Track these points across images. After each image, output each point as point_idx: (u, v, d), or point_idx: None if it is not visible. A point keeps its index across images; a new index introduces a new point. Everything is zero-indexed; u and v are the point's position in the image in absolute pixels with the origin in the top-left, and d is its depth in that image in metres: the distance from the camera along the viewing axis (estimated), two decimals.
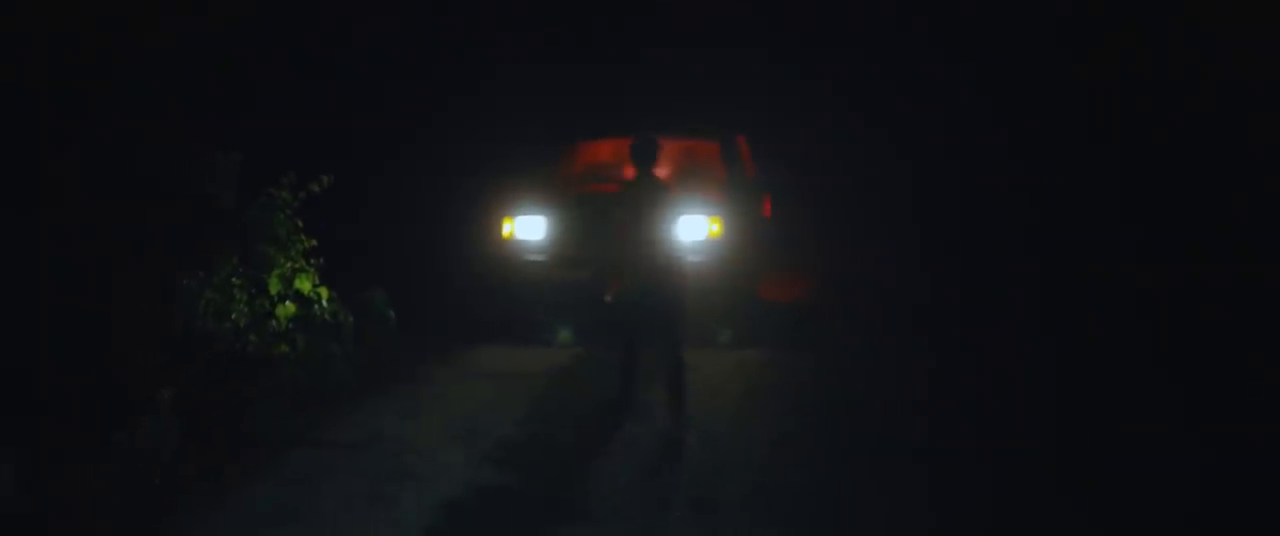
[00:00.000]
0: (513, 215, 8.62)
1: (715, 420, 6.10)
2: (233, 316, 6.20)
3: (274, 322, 6.34)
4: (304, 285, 6.48)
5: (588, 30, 13.20)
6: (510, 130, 10.81)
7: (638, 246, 5.83)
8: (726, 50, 13.89)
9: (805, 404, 6.55)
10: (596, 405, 6.26)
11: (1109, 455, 5.37)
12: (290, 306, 6.42)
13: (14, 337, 5.00)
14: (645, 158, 6.04)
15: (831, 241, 11.70)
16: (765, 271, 10.01)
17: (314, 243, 6.59)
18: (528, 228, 8.59)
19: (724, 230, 8.66)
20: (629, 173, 6.41)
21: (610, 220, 6.07)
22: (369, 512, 4.67)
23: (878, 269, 10.81)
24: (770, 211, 10.71)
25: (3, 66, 5.60)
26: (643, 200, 5.93)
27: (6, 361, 4.94)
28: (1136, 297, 8.56)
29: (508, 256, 8.59)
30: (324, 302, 6.59)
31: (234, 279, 6.25)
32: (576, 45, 12.72)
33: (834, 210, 12.18)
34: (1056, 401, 6.33)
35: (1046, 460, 5.31)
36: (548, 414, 6.24)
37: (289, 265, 6.47)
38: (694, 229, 8.49)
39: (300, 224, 6.52)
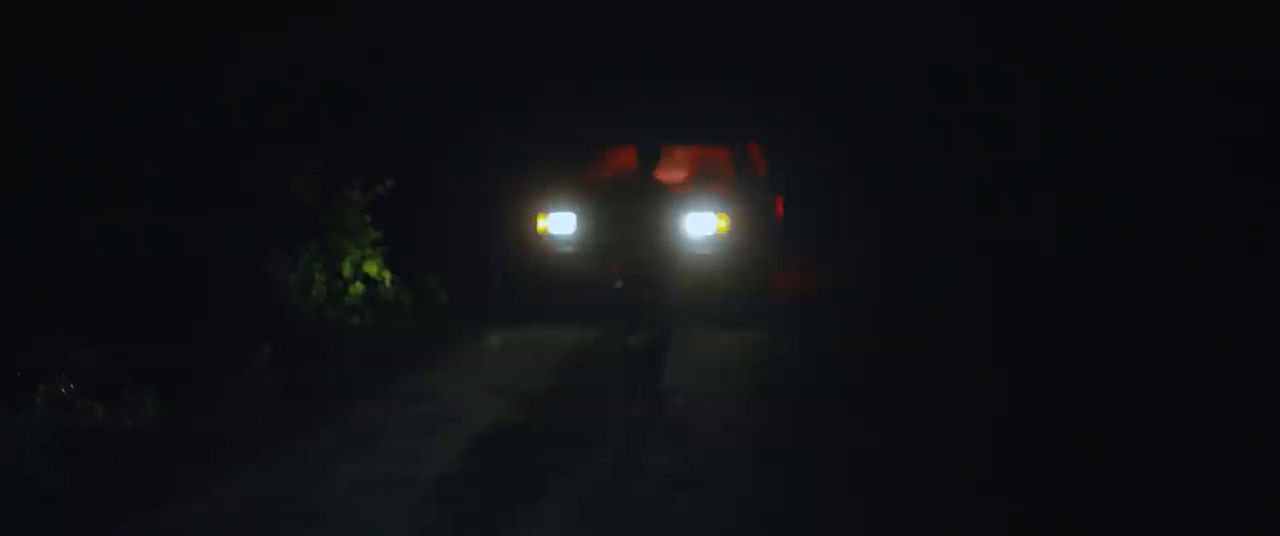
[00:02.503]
0: (546, 212, 9.96)
1: (705, 382, 7.44)
2: (313, 294, 7.67)
3: (346, 299, 7.81)
4: (371, 269, 7.94)
5: (624, 48, 14.46)
6: (547, 137, 12.12)
7: (635, 239, 6.65)
8: (749, 64, 15.07)
9: (786, 371, 7.86)
10: (607, 370, 7.61)
11: (1026, 408, 6.62)
12: (359, 286, 7.89)
13: (153, 306, 6.47)
14: (647, 160, 6.78)
15: (840, 240, 12.94)
16: (777, 265, 11.29)
17: (380, 234, 8.04)
18: (560, 223, 9.92)
19: (731, 226, 9.94)
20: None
21: (614, 215, 6.84)
22: (420, 441, 6.07)
23: (878, 265, 12.03)
24: (782, 211, 12.00)
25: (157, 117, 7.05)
26: (640, 198, 6.71)
27: (147, 322, 6.40)
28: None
29: (542, 248, 9.92)
30: (387, 284, 8.07)
31: (315, 263, 7.72)
32: (610, 63, 13.99)
33: (843, 212, 13.40)
34: (998, 369, 7.56)
35: (976, 413, 6.57)
36: (566, 376, 7.61)
37: (358, 253, 7.94)
38: (702, 224, 9.79)
39: (368, 218, 7.98)
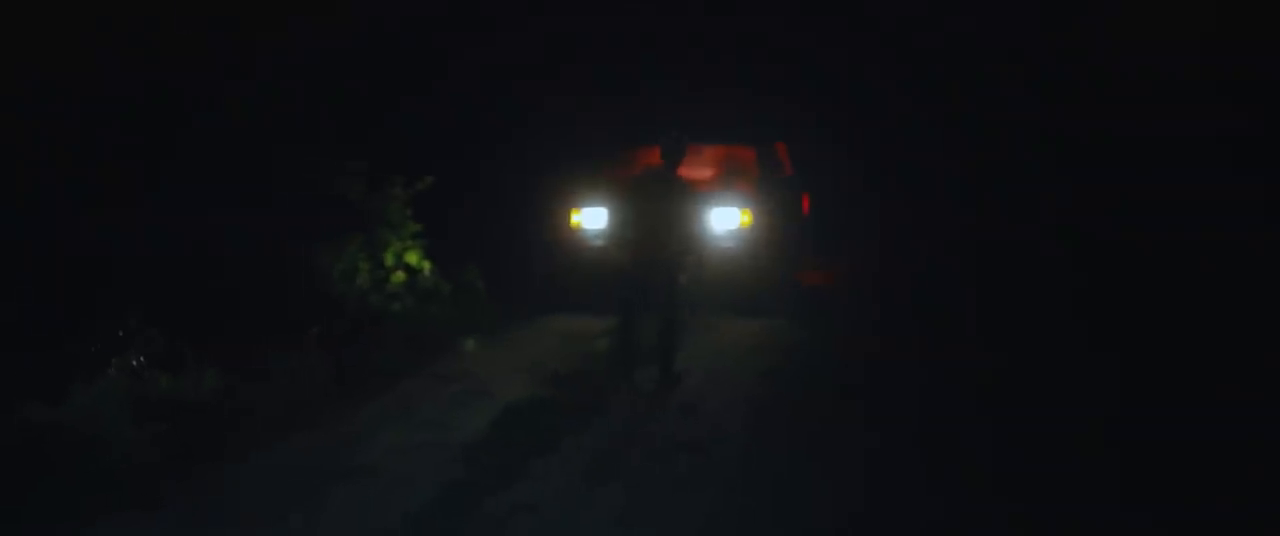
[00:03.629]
0: (579, 207, 10.55)
1: (719, 363, 7.98)
2: (358, 282, 8.29)
3: (388, 287, 8.44)
4: (411, 259, 8.56)
5: (665, 51, 14.98)
6: (582, 136, 12.69)
7: (653, 230, 7.15)
8: (780, 68, 15.55)
9: (796, 356, 8.37)
10: (628, 356, 8.16)
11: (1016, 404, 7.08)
12: (401, 275, 8.51)
13: (214, 292, 7.14)
14: (671, 155, 7.25)
15: (865, 236, 13.40)
16: (801, 261, 11.77)
17: (419, 227, 8.66)
18: (591, 218, 10.46)
19: (754, 221, 10.46)
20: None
21: (636, 209, 7.26)
22: (455, 412, 6.67)
23: (896, 263, 12.48)
24: (808, 209, 12.49)
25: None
26: (660, 191, 7.20)
27: (208, 307, 7.06)
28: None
29: (574, 241, 10.50)
30: (427, 273, 8.68)
31: (359, 254, 8.35)
32: (650, 66, 14.53)
33: (870, 209, 13.85)
34: (996, 362, 8.01)
35: (968, 402, 7.03)
36: (591, 358, 8.16)
37: (400, 244, 8.56)
38: (727, 219, 10.34)
39: (409, 212, 8.60)
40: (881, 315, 10.03)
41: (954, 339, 8.66)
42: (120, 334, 6.52)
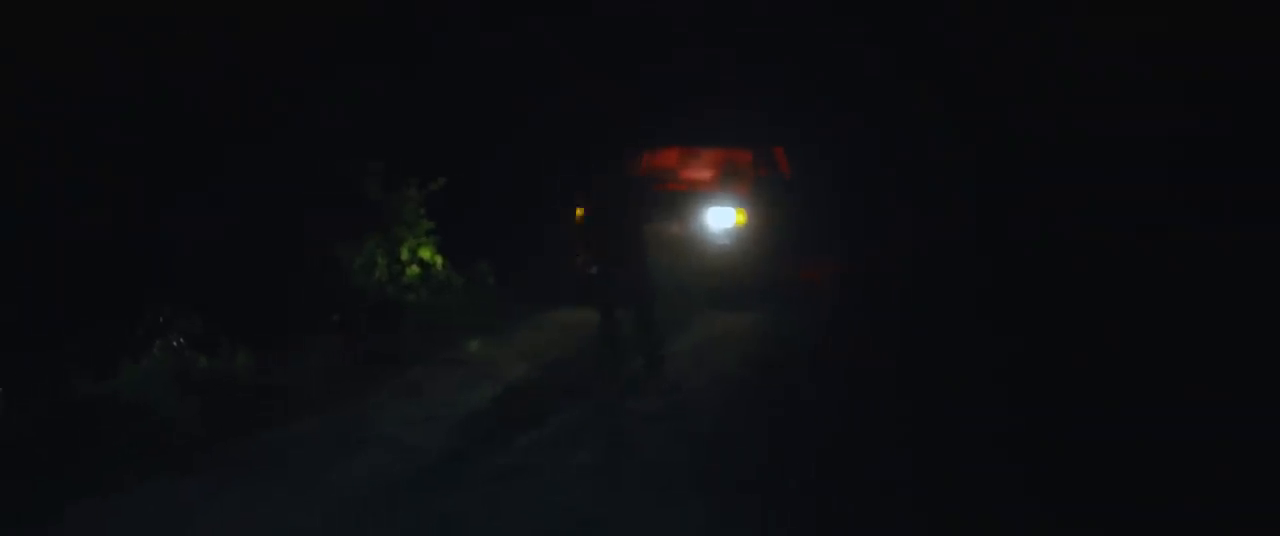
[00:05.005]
0: (583, 208, 11.23)
1: (706, 350, 8.67)
2: (376, 275, 9.04)
3: (404, 280, 9.17)
4: (425, 254, 9.30)
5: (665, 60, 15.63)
6: (591, 139, 13.36)
7: (606, 230, 7.78)
8: (780, 73, 16.20)
9: (777, 343, 9.05)
10: (621, 342, 8.87)
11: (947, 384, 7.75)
12: (415, 269, 9.25)
13: (246, 282, 7.91)
14: (620, 159, 8.12)
15: (859, 236, 14.02)
16: (797, 258, 12.43)
17: (432, 225, 9.39)
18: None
19: (749, 220, 11.16)
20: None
21: (593, 211, 7.98)
22: (462, 392, 7.40)
23: (892, 260, 13.09)
24: (805, 208, 13.15)
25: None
26: (617, 193, 7.90)
27: (241, 296, 7.83)
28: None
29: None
30: (439, 267, 9.41)
31: (377, 249, 9.09)
32: (648, 74, 15.17)
33: (865, 209, 14.47)
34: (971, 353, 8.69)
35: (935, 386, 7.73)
36: (587, 347, 8.83)
37: (414, 240, 9.29)
38: (723, 218, 11.04)
39: (423, 211, 9.33)
40: (869, 309, 10.68)
41: (935, 331, 9.32)
42: (161, 319, 7.27)
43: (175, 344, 7.02)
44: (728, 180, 11.59)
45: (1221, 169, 11.41)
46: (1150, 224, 11.38)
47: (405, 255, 9.20)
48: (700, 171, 11.96)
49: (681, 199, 11.16)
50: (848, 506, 5.18)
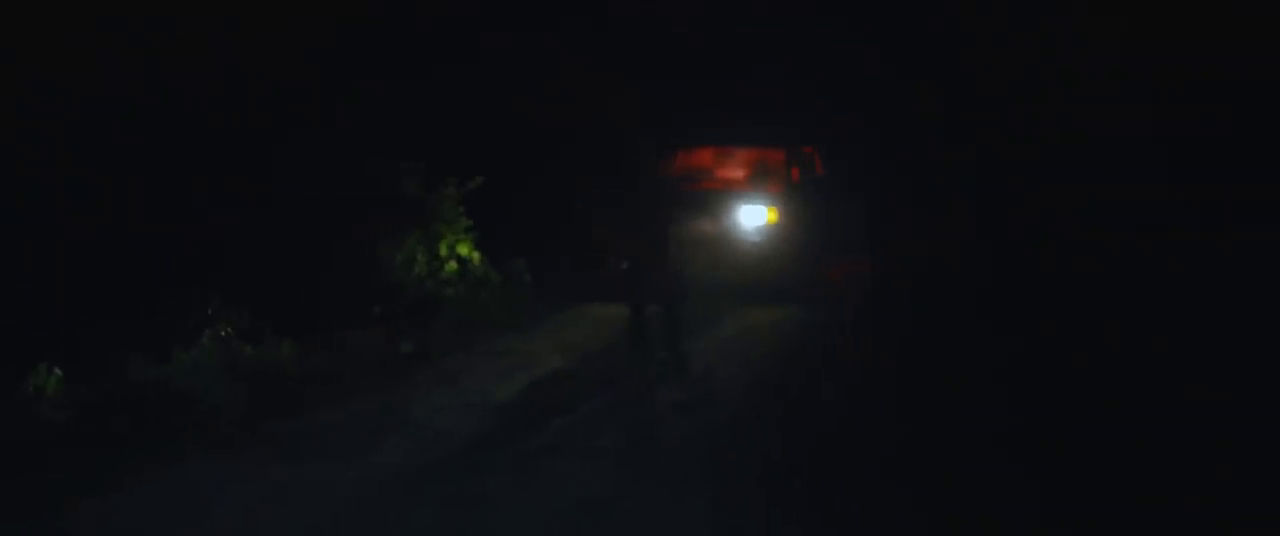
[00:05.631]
0: None
1: (734, 343, 8.94)
2: (415, 270, 9.38)
3: (442, 275, 9.51)
4: (463, 250, 9.63)
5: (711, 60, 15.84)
6: (624, 140, 13.60)
7: (634, 227, 8.05)
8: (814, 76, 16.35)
9: (804, 336, 9.28)
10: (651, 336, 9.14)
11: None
12: (454, 265, 9.58)
13: (292, 277, 8.28)
14: (649, 158, 8.23)
15: (890, 233, 14.17)
16: (827, 255, 12.63)
17: (470, 222, 9.72)
18: None
19: (780, 218, 11.40)
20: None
21: (626, 210, 8.17)
22: (498, 381, 7.71)
23: (921, 257, 13.25)
24: (837, 207, 13.34)
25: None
26: (645, 191, 8.09)
27: (287, 289, 8.19)
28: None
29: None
30: (476, 263, 9.74)
31: (417, 245, 9.43)
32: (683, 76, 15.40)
33: (896, 207, 14.61)
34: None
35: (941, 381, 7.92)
36: (618, 340, 9.11)
37: (453, 237, 9.62)
38: (754, 216, 11.31)
39: (461, 209, 9.67)
40: (892, 308, 10.86)
41: (948, 331, 9.50)
42: (210, 311, 7.64)
43: (223, 334, 7.38)
44: (760, 179, 11.83)
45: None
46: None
47: (444, 251, 9.53)
48: (733, 171, 12.20)
49: (715, 197, 11.44)
50: (852, 505, 5.33)
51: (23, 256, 7.15)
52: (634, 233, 8.18)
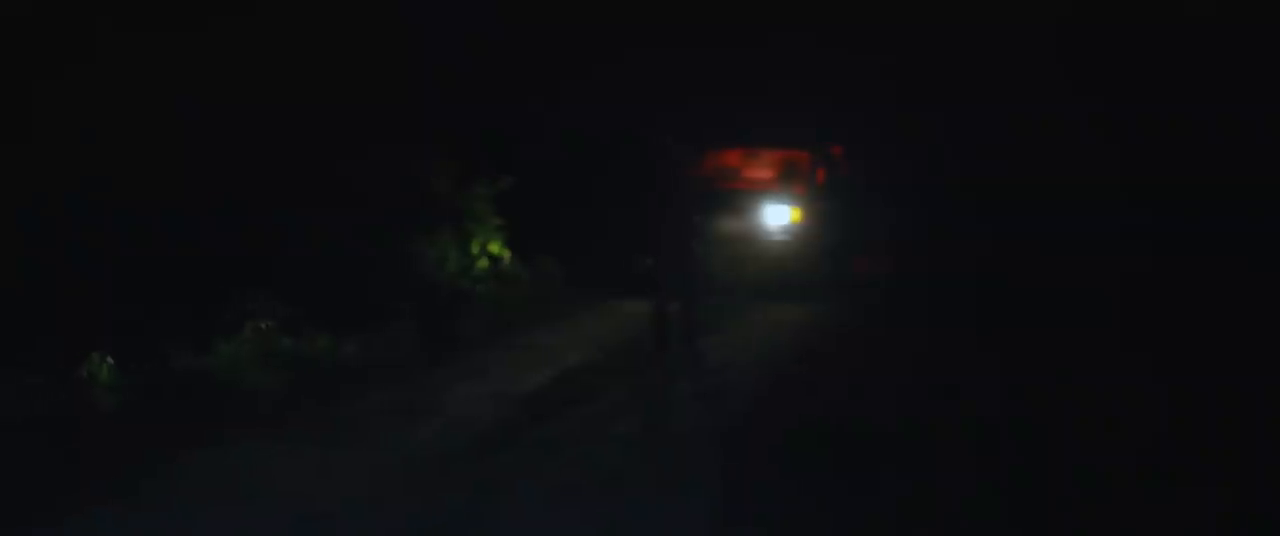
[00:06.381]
0: None
1: (754, 336, 9.25)
2: (448, 267, 9.72)
3: (474, 272, 9.85)
4: (494, 248, 9.97)
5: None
6: (650, 141, 13.89)
7: (667, 227, 8.47)
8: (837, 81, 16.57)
9: (827, 335, 9.54)
10: (674, 332, 9.41)
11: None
12: (485, 262, 9.92)
13: (328, 273, 8.65)
14: (674, 160, 8.59)
15: (912, 233, 14.38)
16: (855, 256, 12.87)
17: (501, 220, 10.05)
18: None
19: (804, 218, 11.70)
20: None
21: (651, 209, 8.58)
22: (526, 373, 8.02)
23: (941, 258, 13.46)
24: (861, 208, 13.57)
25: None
26: (662, 193, 8.52)
27: (323, 285, 8.56)
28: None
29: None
30: (507, 261, 10.08)
31: (449, 243, 9.77)
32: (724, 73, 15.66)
33: (919, 207, 14.81)
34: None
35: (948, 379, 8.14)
36: (644, 336, 9.38)
37: (484, 235, 9.96)
38: (780, 216, 11.61)
39: (492, 207, 10.00)
40: (916, 305, 11.09)
41: (973, 329, 9.72)
42: (251, 305, 8.01)
43: (263, 326, 7.73)
44: (786, 179, 12.11)
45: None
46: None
47: (475, 249, 9.87)
48: (760, 171, 12.49)
49: (742, 196, 11.77)
50: (842, 499, 5.54)
51: (89, 253, 7.57)
52: (660, 231, 8.47)
